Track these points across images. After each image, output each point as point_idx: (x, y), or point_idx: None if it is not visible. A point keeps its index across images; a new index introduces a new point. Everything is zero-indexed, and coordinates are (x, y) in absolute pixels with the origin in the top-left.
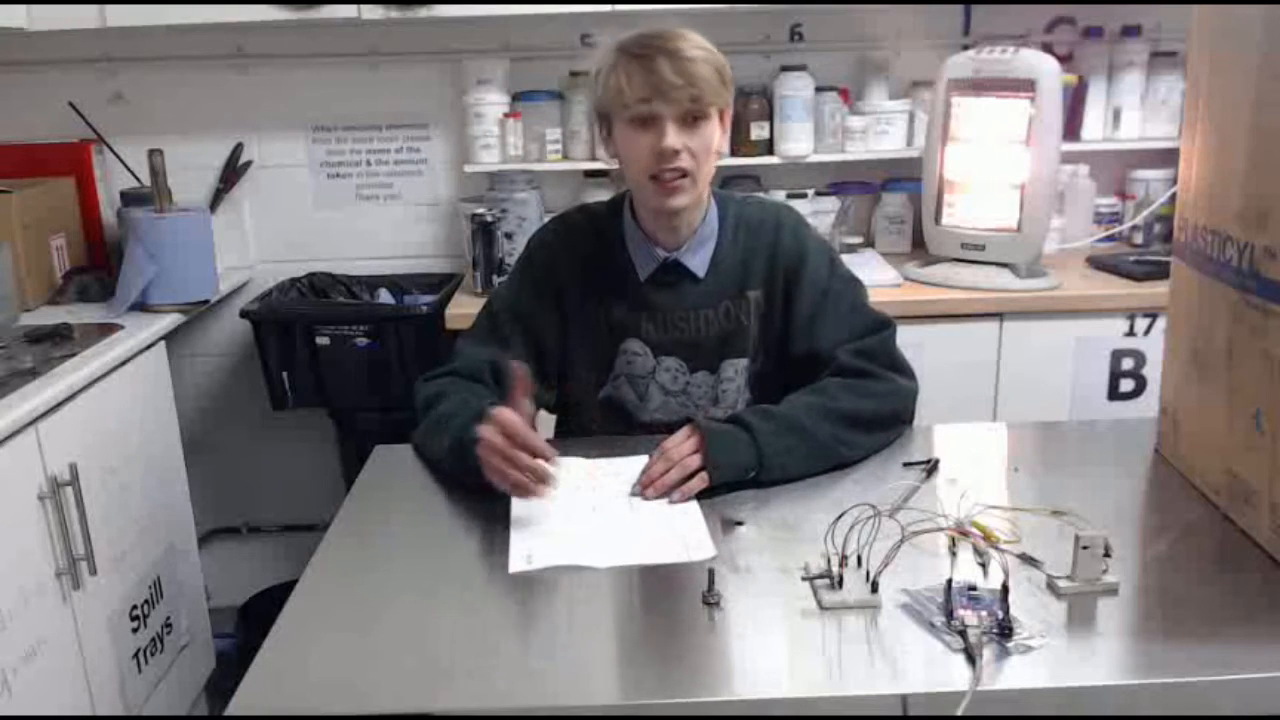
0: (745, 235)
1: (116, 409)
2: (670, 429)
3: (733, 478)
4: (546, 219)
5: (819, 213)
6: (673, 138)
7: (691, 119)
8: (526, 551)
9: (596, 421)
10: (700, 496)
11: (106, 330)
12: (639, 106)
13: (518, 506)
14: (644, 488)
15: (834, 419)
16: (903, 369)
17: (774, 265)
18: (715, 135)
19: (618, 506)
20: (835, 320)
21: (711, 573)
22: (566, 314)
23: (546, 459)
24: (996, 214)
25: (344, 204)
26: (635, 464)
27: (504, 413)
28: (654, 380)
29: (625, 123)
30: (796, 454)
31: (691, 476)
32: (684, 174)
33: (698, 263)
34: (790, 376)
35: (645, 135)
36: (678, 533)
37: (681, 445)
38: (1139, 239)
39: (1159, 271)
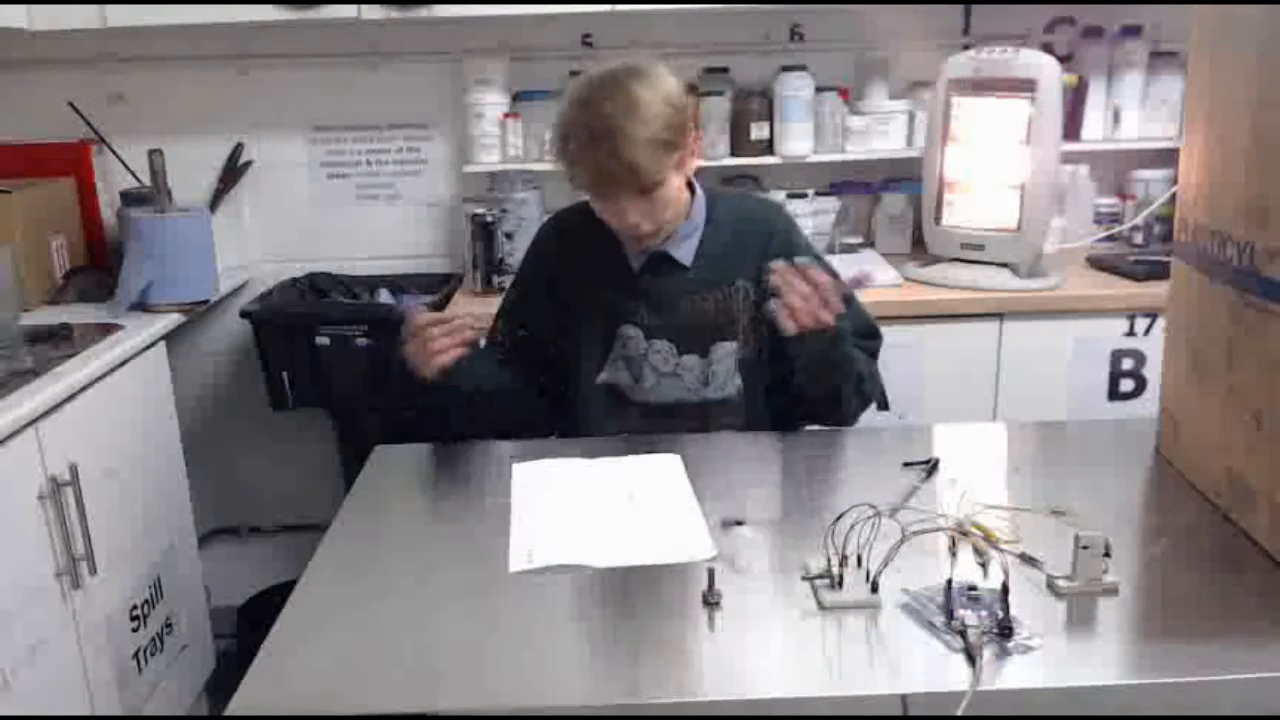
0: (736, 229)
1: (116, 409)
2: (664, 410)
3: (836, 343)
4: (546, 219)
5: (819, 212)
6: (630, 216)
7: (642, 191)
8: (526, 550)
9: (595, 407)
10: (702, 496)
11: (106, 330)
12: (590, 190)
13: (518, 506)
14: (788, 296)
15: (861, 361)
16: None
17: (764, 260)
18: (675, 187)
19: (618, 506)
20: None
21: (711, 573)
22: (565, 303)
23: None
24: (996, 214)
25: (344, 204)
26: (634, 464)
27: (411, 314)
28: (647, 361)
29: (587, 194)
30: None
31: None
32: (648, 231)
33: (684, 253)
34: (784, 364)
35: (604, 205)
36: (677, 533)
37: (831, 289)
38: (1139, 239)
39: (1159, 271)
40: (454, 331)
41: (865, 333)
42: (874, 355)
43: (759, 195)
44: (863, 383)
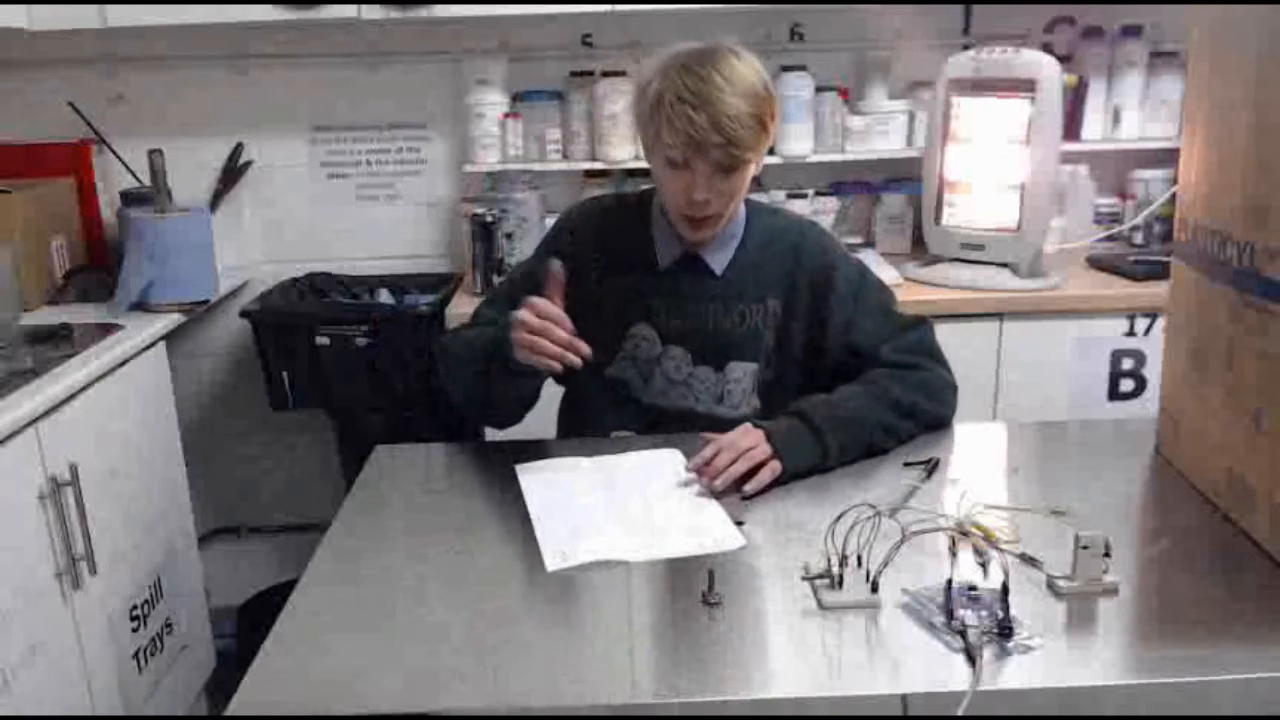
0: (767, 246)
1: (116, 409)
2: (670, 415)
3: (801, 469)
4: (547, 219)
5: (819, 213)
6: (703, 190)
7: (725, 169)
8: (559, 550)
9: (599, 401)
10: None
11: (106, 330)
12: (673, 153)
13: (535, 508)
14: (710, 477)
15: (888, 407)
16: (944, 363)
17: (796, 276)
18: (749, 176)
19: (636, 501)
20: (873, 321)
21: (711, 573)
22: (581, 289)
23: (578, 339)
24: (996, 214)
25: (344, 204)
26: (637, 460)
27: (539, 300)
28: (659, 367)
29: (661, 159)
30: (854, 449)
31: (759, 468)
32: (712, 214)
33: (717, 260)
34: (831, 378)
35: (679, 176)
36: (704, 524)
37: (741, 440)
38: (1139, 239)
39: (1159, 271)
40: (572, 344)
41: (911, 327)
42: (922, 349)
43: (794, 213)
44: (905, 414)
